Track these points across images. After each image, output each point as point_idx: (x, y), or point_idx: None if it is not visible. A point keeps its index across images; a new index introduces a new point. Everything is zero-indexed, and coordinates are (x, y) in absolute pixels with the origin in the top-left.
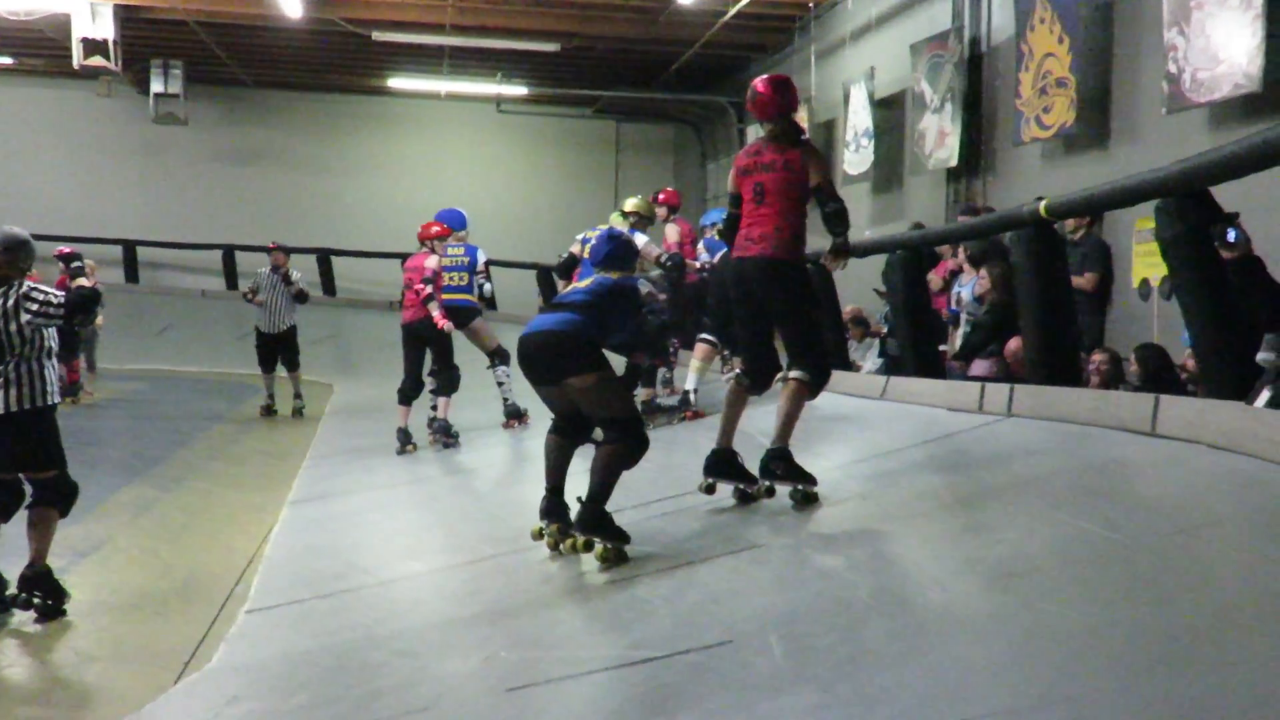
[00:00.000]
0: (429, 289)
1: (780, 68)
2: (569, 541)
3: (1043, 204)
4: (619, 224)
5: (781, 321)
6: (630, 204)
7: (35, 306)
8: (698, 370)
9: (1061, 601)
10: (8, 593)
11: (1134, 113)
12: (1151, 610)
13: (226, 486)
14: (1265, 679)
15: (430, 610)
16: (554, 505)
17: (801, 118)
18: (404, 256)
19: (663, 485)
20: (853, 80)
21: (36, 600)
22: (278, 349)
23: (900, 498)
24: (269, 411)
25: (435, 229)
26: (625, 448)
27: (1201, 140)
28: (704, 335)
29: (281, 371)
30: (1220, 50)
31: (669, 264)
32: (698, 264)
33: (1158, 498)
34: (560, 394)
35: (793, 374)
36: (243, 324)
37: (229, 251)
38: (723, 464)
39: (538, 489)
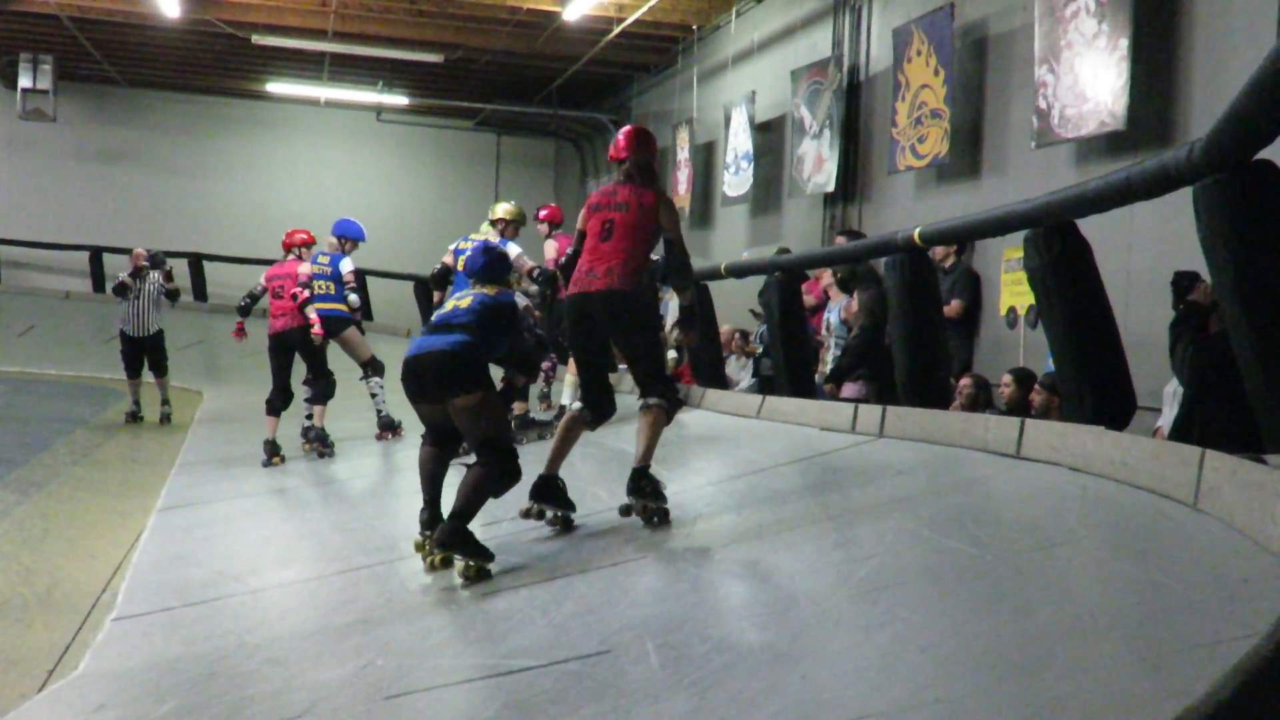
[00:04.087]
0: (307, 293)
1: (662, 88)
2: (430, 558)
3: (916, 231)
4: (489, 232)
5: (630, 352)
6: (501, 210)
7: None
8: (574, 385)
9: (928, 612)
10: None
11: (1004, 145)
12: (1012, 620)
13: (89, 492)
14: (1115, 681)
15: (302, 619)
16: (434, 517)
17: (683, 139)
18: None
19: None
20: (733, 103)
21: None
22: (144, 353)
23: (773, 514)
24: (134, 418)
25: (301, 236)
26: (496, 473)
27: (1067, 175)
28: None
29: (148, 377)
30: (1088, 88)
31: (539, 278)
32: None
33: (1019, 516)
34: (439, 411)
35: (652, 401)
36: (108, 327)
37: (96, 253)
38: (550, 490)
39: (411, 500)
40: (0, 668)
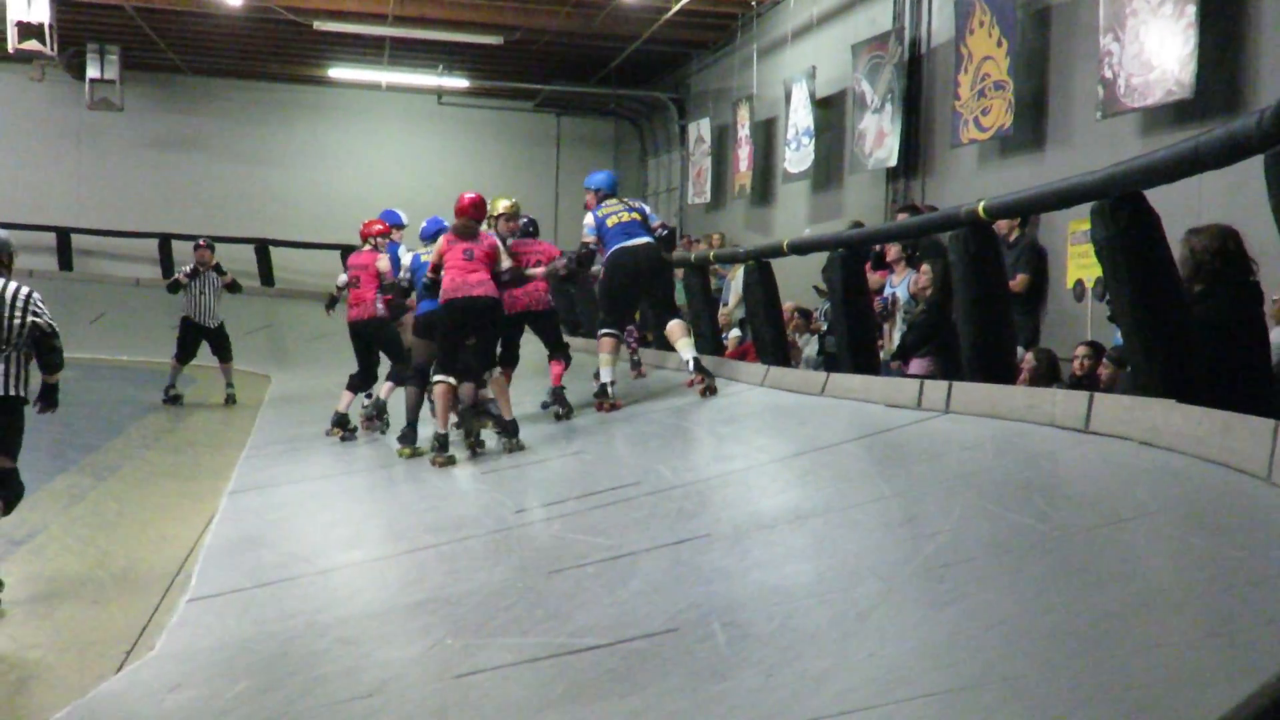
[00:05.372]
0: (391, 294)
1: (721, 65)
2: (469, 441)
3: (981, 204)
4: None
5: (487, 338)
6: (501, 206)
7: (43, 321)
8: (609, 364)
9: (995, 589)
10: None
11: (1069, 116)
12: (1081, 596)
13: (161, 475)
14: (1186, 658)
15: (372, 598)
16: (415, 432)
17: (743, 116)
18: (342, 248)
19: (600, 478)
20: (794, 79)
21: None
22: (206, 341)
23: (838, 490)
24: (176, 400)
25: (378, 226)
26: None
27: (1133, 145)
28: (606, 330)
29: (199, 361)
30: (1154, 57)
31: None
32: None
33: (1088, 491)
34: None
35: (494, 374)
36: (177, 313)
37: (164, 240)
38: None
39: (470, 482)
40: (79, 648)
